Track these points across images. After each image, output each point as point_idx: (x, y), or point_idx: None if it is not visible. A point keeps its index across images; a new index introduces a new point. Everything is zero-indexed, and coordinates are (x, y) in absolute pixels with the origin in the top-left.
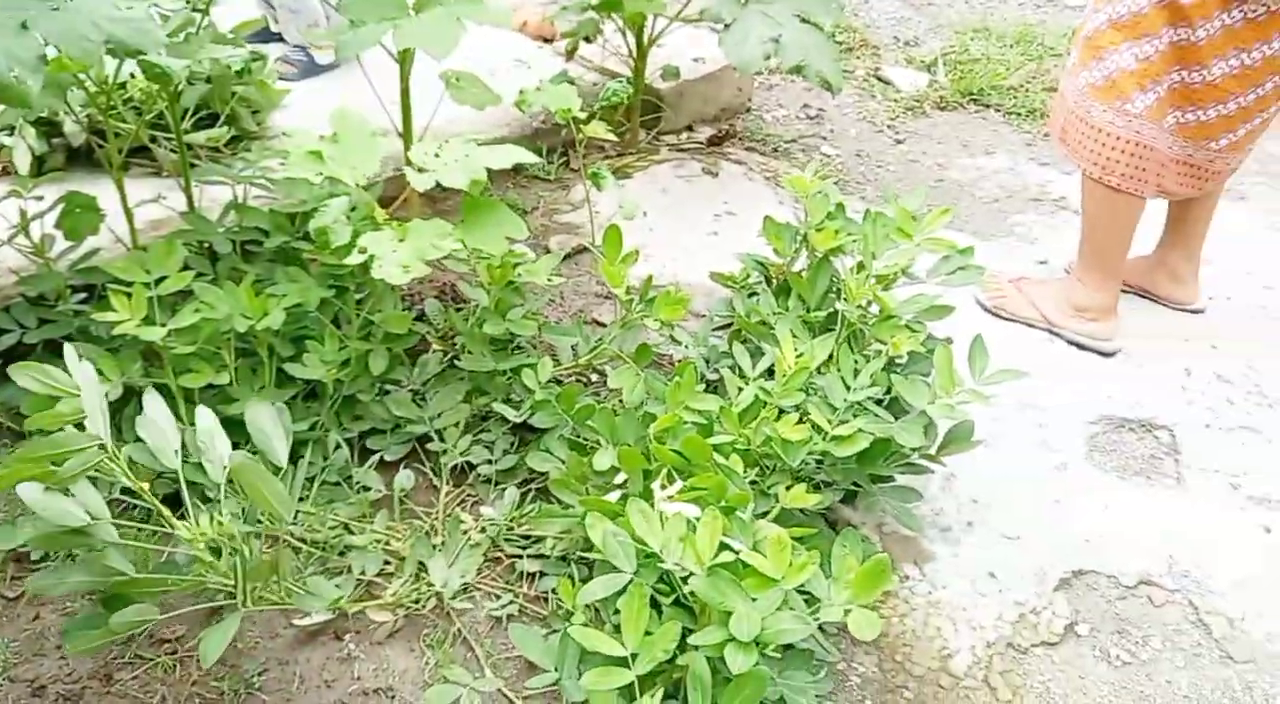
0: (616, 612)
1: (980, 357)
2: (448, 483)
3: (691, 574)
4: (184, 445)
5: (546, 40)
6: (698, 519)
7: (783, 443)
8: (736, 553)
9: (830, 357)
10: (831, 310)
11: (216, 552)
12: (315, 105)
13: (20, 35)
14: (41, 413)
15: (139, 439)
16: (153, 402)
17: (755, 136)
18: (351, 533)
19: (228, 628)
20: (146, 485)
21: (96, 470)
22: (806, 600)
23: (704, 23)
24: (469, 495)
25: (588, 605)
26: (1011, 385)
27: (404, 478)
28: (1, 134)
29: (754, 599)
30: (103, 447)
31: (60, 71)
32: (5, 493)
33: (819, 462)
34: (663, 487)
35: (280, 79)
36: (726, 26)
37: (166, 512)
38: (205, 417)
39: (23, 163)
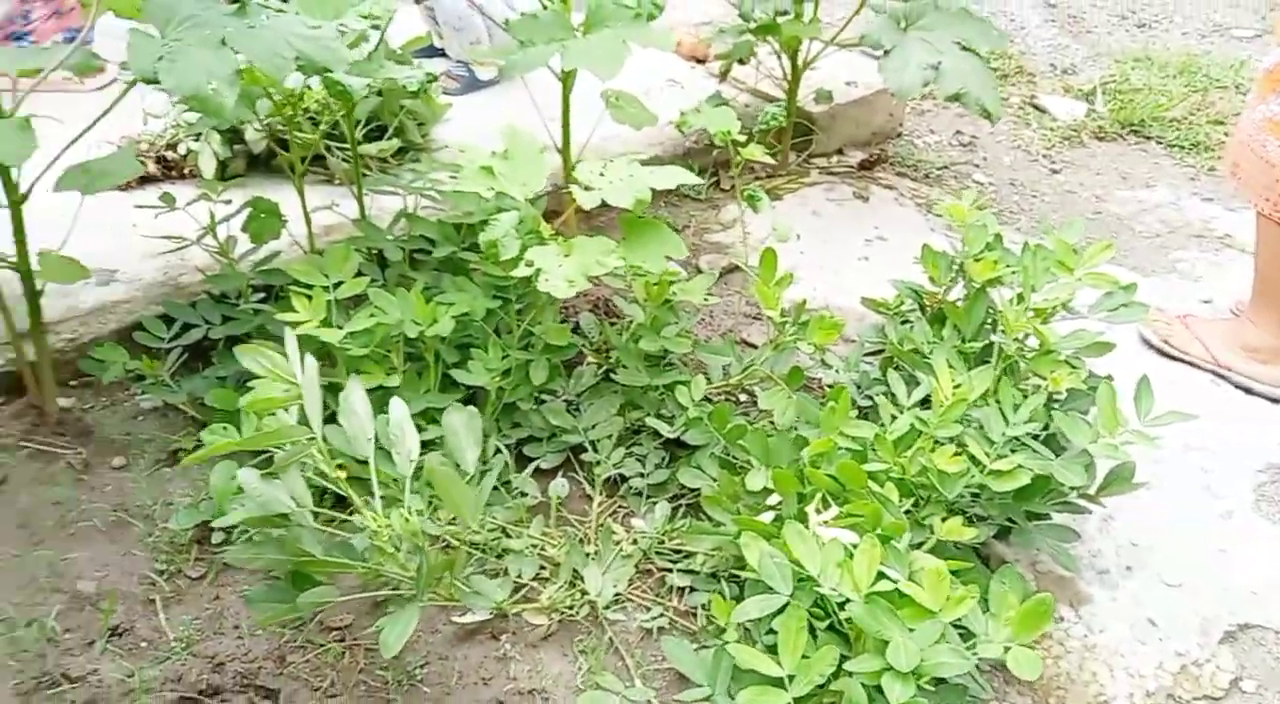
0: (769, 632)
1: (1146, 397)
2: (600, 493)
3: (848, 600)
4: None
5: (699, 61)
6: (854, 545)
7: (939, 474)
8: (895, 582)
9: (989, 389)
10: (987, 342)
11: (395, 545)
12: (476, 119)
13: (219, 51)
14: (256, 397)
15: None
16: (356, 392)
17: (906, 162)
18: (509, 537)
19: (407, 621)
20: (342, 474)
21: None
22: (962, 635)
23: (860, 47)
24: (620, 507)
25: (739, 624)
26: (1175, 427)
27: (559, 486)
28: (189, 139)
29: (911, 630)
30: (313, 439)
31: (250, 84)
32: (191, 477)
33: (975, 495)
34: (818, 511)
35: (443, 93)
36: (886, 52)
37: (359, 502)
38: (398, 409)
39: (208, 167)
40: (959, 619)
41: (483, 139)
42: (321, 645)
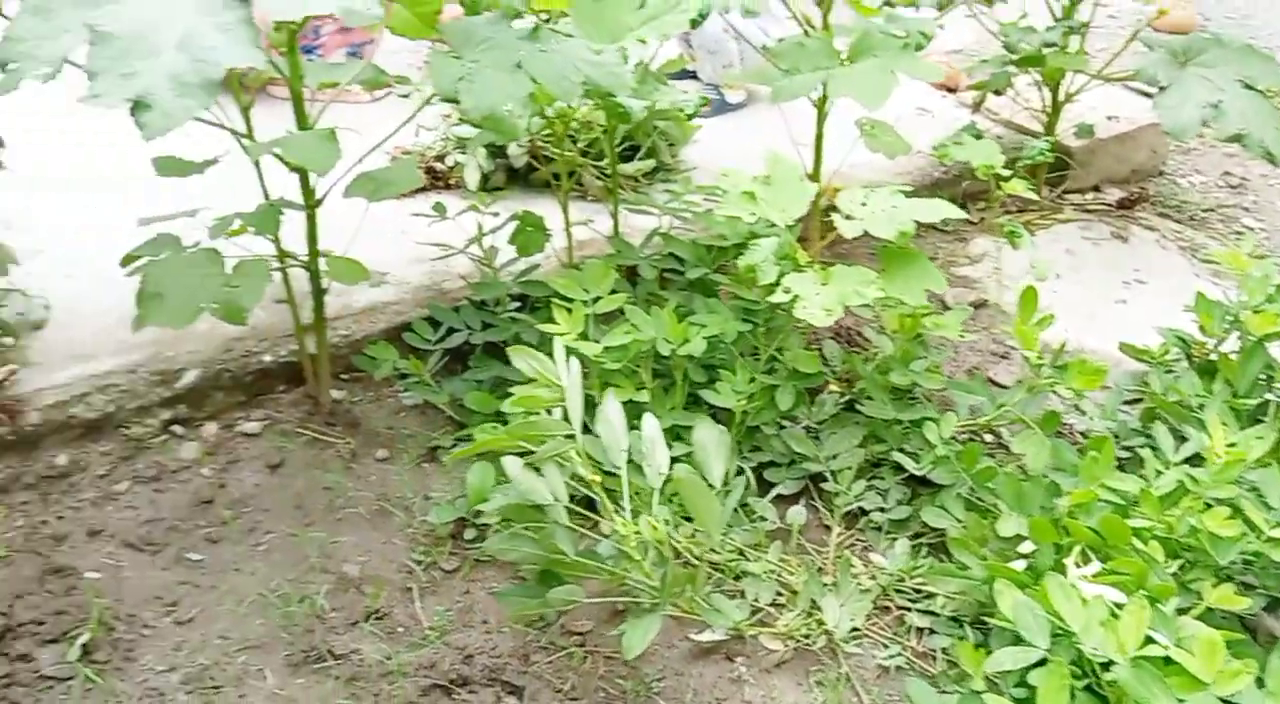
0: (1019, 685)
1: None
2: (839, 524)
3: (1112, 662)
4: None
5: (950, 90)
6: (1119, 605)
7: (1210, 537)
8: (1165, 648)
9: (1270, 450)
10: (1264, 400)
11: (641, 553)
12: (723, 142)
13: (515, 74)
14: (523, 395)
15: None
16: (612, 404)
17: (1169, 202)
18: (747, 559)
19: (649, 626)
20: (597, 478)
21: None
22: None
23: (1123, 81)
24: (859, 540)
25: (987, 674)
26: None
27: (797, 513)
28: (456, 152)
29: (1180, 700)
30: (573, 436)
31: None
32: (448, 474)
33: (1247, 562)
34: (1078, 564)
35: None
36: (1161, 89)
37: (610, 506)
38: (651, 425)
39: (472, 179)
40: (1232, 695)
41: (730, 161)
42: (563, 648)
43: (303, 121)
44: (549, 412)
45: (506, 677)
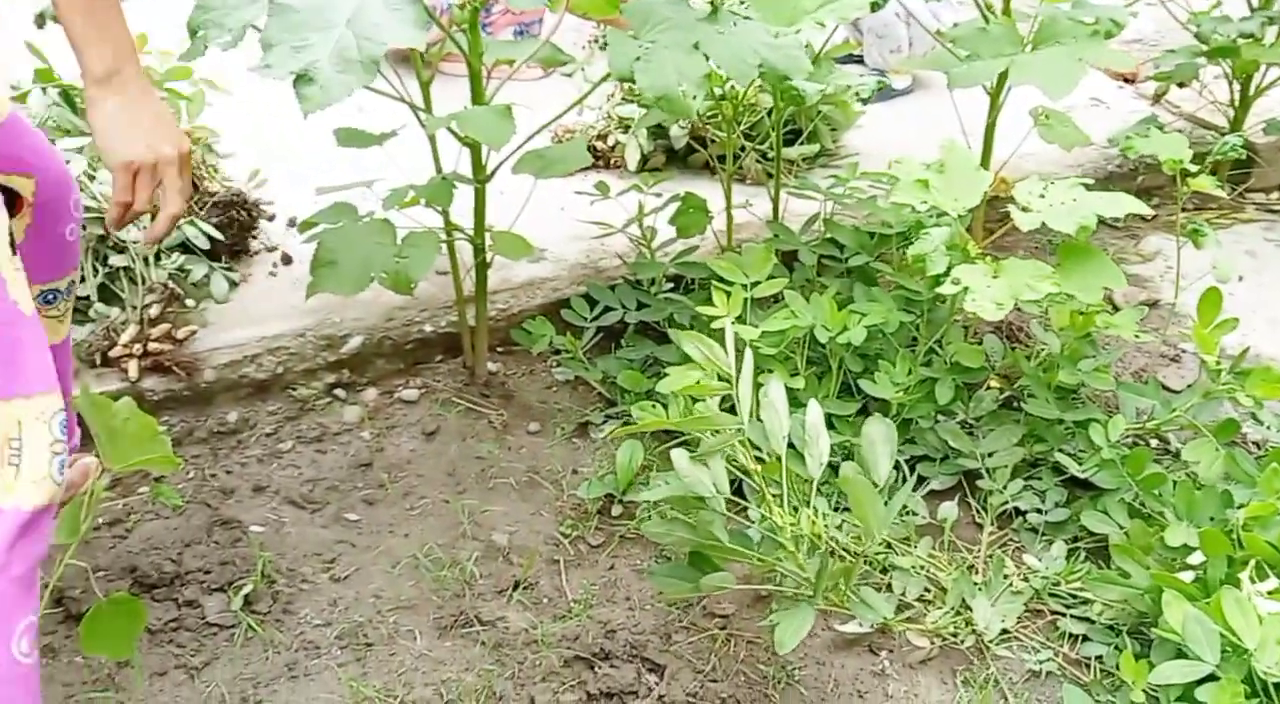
0: (1180, 699)
1: None
2: (992, 523)
3: None
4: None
5: (1128, 80)
6: None
7: None
8: None
9: None
10: None
11: (796, 542)
12: (887, 128)
13: (691, 55)
14: (692, 383)
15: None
16: (777, 389)
17: None
18: (896, 553)
19: (803, 620)
20: (759, 469)
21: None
22: None
23: None
24: (1012, 540)
25: (1147, 687)
26: None
27: (949, 509)
28: (618, 132)
29: None
30: (741, 429)
31: None
32: (597, 450)
33: None
34: (1253, 580)
35: (859, 101)
36: None
37: (768, 495)
38: (815, 413)
39: (632, 159)
40: None
41: (893, 148)
42: (705, 630)
43: (479, 97)
44: (710, 399)
45: (648, 654)
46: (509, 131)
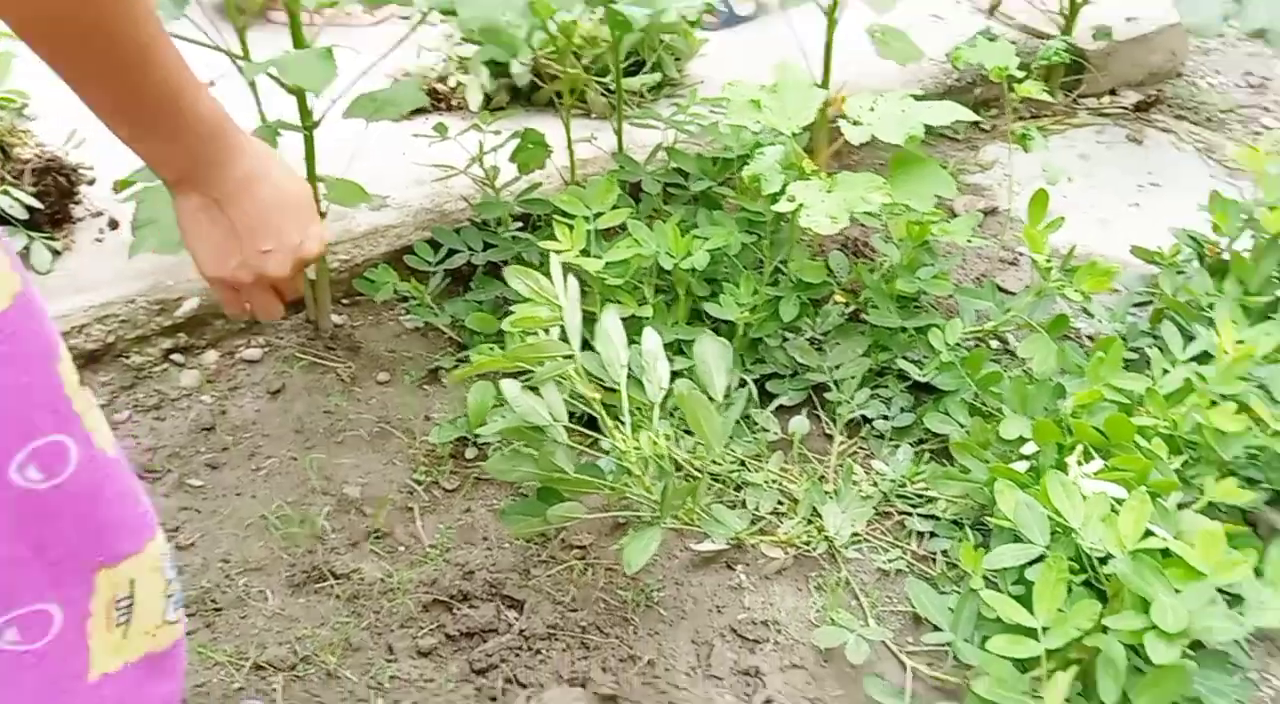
0: (1017, 582)
1: None
2: (842, 433)
3: (1110, 556)
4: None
5: None
6: (1119, 500)
7: (1215, 433)
8: (1163, 541)
9: (1277, 346)
10: (1275, 297)
11: (641, 468)
12: (731, 55)
13: None
14: (521, 315)
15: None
16: (611, 319)
17: (1186, 104)
18: (749, 469)
19: (649, 541)
20: (597, 395)
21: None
22: (1229, 602)
23: None
24: (861, 448)
25: (985, 573)
26: None
27: (800, 423)
28: (458, 73)
29: (1178, 591)
30: (571, 356)
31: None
32: (449, 395)
33: (1252, 457)
34: (1079, 463)
35: (701, 28)
36: None
37: (609, 421)
38: (651, 339)
39: (474, 100)
40: (1230, 585)
41: (737, 74)
42: (564, 562)
43: (299, 42)
44: (547, 331)
45: (507, 591)
46: (329, 75)
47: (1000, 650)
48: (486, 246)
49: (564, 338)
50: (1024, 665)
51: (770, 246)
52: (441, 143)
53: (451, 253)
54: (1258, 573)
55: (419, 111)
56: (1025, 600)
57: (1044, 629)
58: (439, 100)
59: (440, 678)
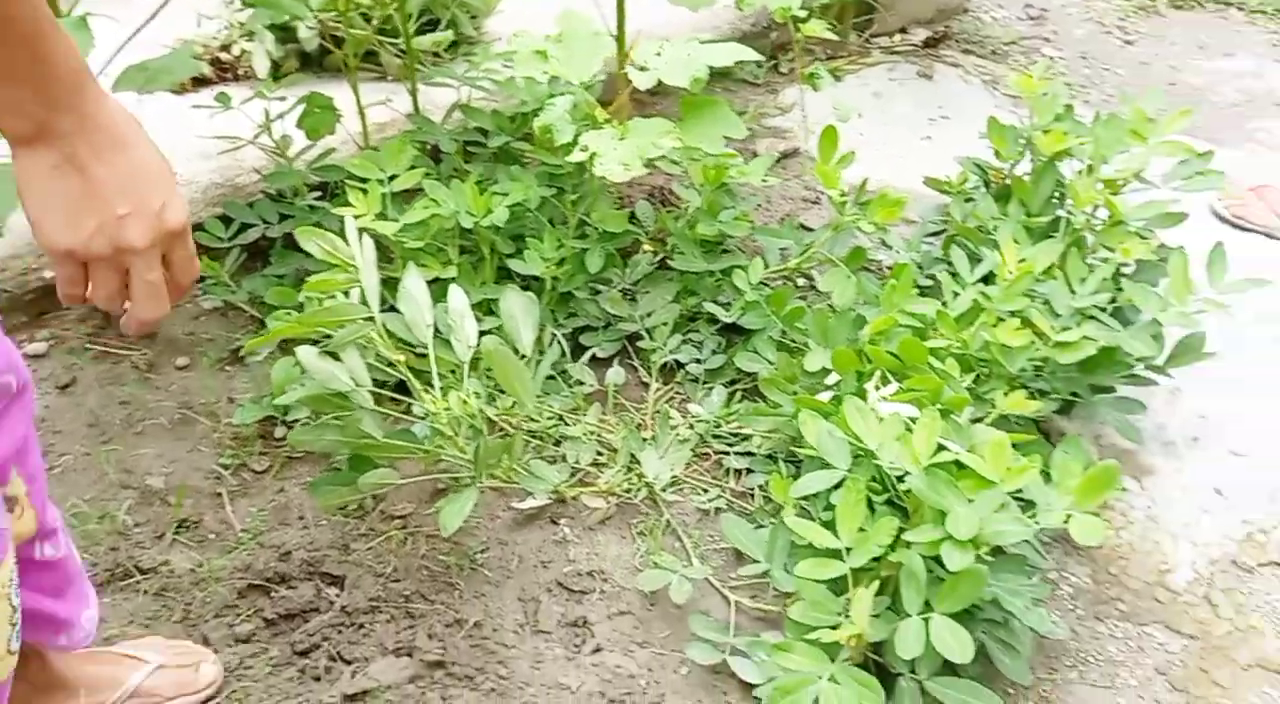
0: (827, 508)
1: (1220, 263)
2: (657, 380)
3: (907, 473)
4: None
5: None
6: (914, 420)
7: (1002, 348)
8: (955, 454)
9: (1054, 262)
10: (1055, 217)
11: (454, 429)
12: (529, 10)
13: None
14: (316, 280)
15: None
16: (413, 279)
17: (972, 38)
18: (566, 424)
19: (464, 502)
20: (402, 358)
21: (361, 340)
22: (1021, 507)
23: None
24: (677, 393)
25: (797, 501)
26: (1251, 298)
27: (615, 374)
28: (243, 40)
29: (971, 500)
30: (371, 318)
31: None
32: (253, 373)
33: (1038, 369)
34: (877, 387)
35: None
36: None
37: (417, 384)
38: (457, 298)
39: (261, 67)
40: (1020, 490)
41: (535, 30)
42: (384, 533)
43: (54, 11)
44: (346, 295)
45: (326, 568)
46: (86, 43)
47: (810, 574)
48: (282, 218)
49: (364, 301)
50: (838, 588)
51: (574, 200)
52: (228, 114)
53: (245, 227)
54: (1046, 477)
55: (203, 83)
56: (834, 525)
57: (847, 549)
58: (224, 70)
59: (260, 663)
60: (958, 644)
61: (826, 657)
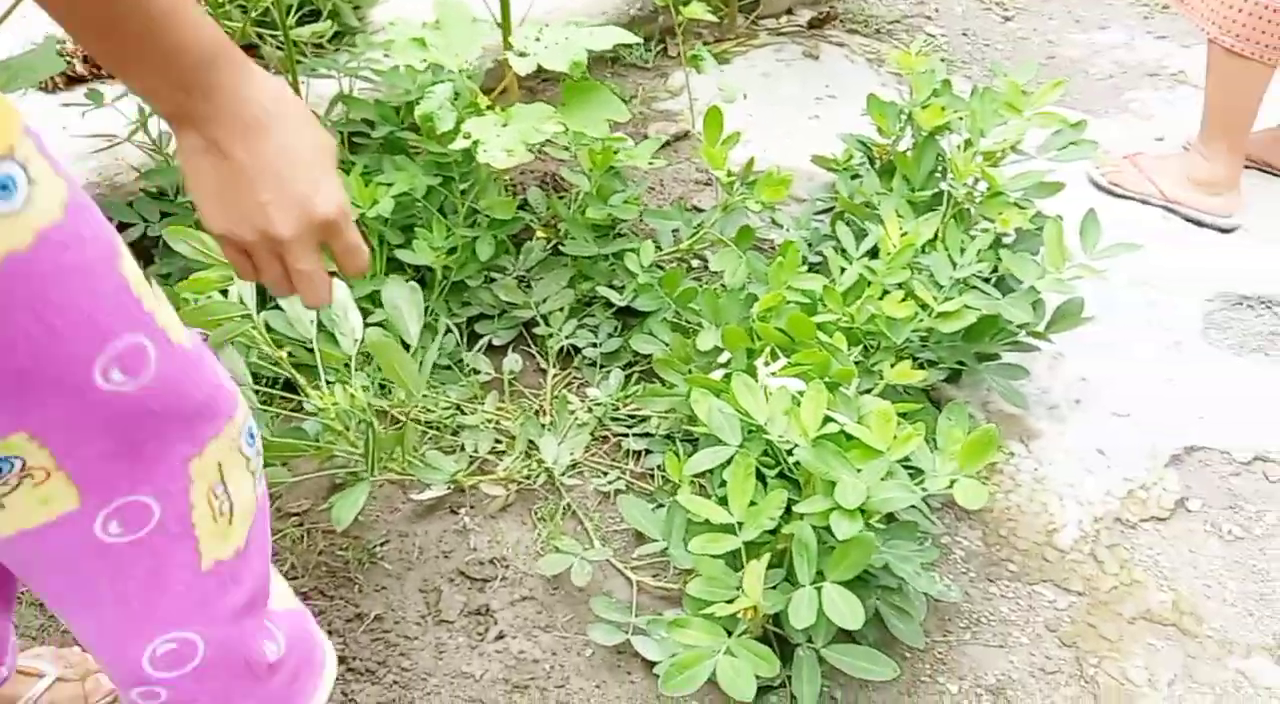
0: (722, 484)
1: (1093, 230)
2: (554, 366)
3: (796, 446)
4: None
5: None
6: (802, 393)
7: (887, 320)
8: (842, 426)
9: (936, 235)
10: (937, 190)
11: (345, 424)
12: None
13: None
14: (192, 279)
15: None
16: None
17: (857, 18)
18: (463, 413)
19: (358, 495)
20: (284, 354)
21: (240, 338)
22: (911, 474)
23: None
24: (575, 378)
25: (693, 479)
26: (1125, 262)
27: (512, 361)
28: None
29: (859, 470)
30: (248, 316)
31: None
32: None
33: (924, 340)
34: (766, 363)
35: None
36: None
37: (302, 380)
38: (340, 290)
39: None
40: (908, 458)
41: (418, 18)
42: (280, 531)
43: None
44: (225, 293)
45: None
46: None
47: (704, 549)
48: (163, 216)
49: (242, 300)
50: (734, 563)
51: (462, 189)
52: (102, 111)
53: (125, 226)
54: (933, 445)
55: (76, 81)
56: (727, 502)
57: (739, 524)
58: (97, 67)
59: None
60: (850, 611)
61: (724, 631)
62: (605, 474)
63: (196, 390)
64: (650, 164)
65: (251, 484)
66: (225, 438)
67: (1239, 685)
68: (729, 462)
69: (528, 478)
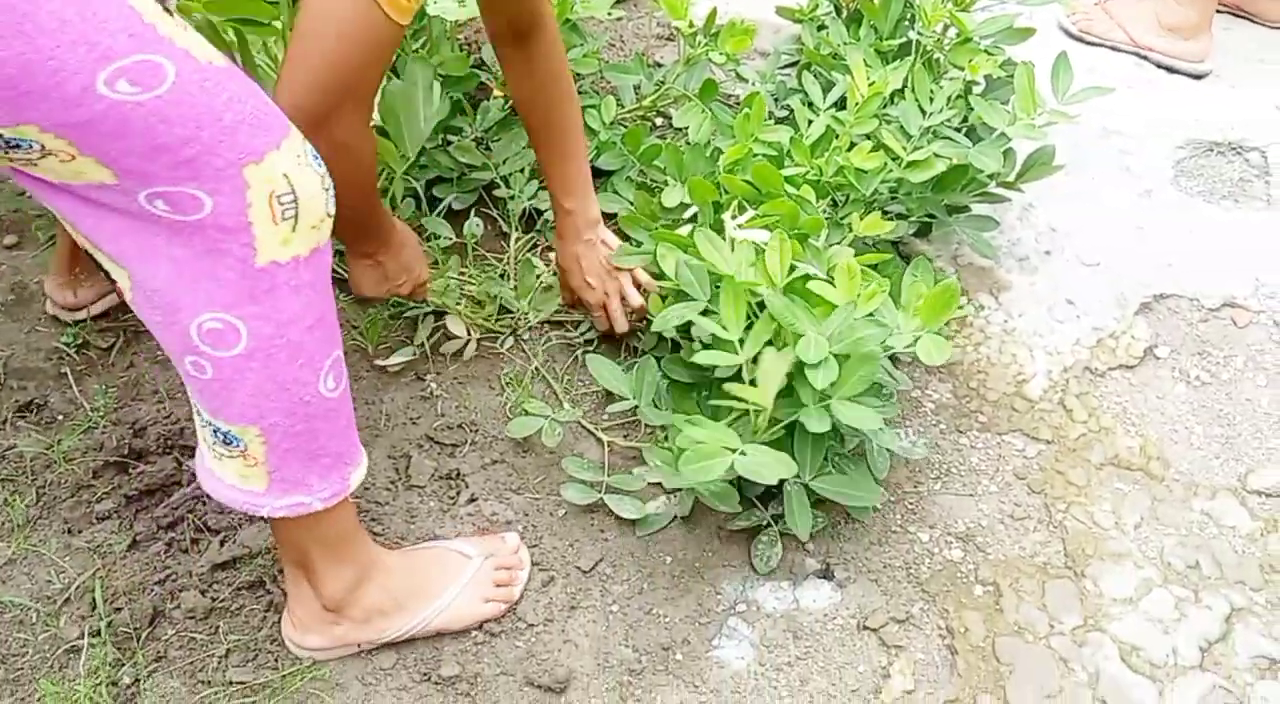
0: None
1: (1064, 74)
2: (517, 229)
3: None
4: None
5: None
6: (767, 244)
7: (856, 172)
8: (810, 276)
9: (905, 83)
10: (905, 38)
11: None
12: None
13: None
14: None
15: None
16: None
17: None
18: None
19: None
20: None
21: None
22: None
23: None
24: (539, 240)
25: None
26: (1095, 111)
27: (473, 225)
28: None
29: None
30: None
31: None
32: None
33: (893, 191)
34: (733, 216)
35: None
36: None
37: None
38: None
39: None
40: (873, 314)
41: None
42: None
43: None
44: None
45: (185, 440)
46: None
47: (712, 361)
48: None
49: None
50: (716, 415)
51: (415, 47)
52: None
53: None
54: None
55: None
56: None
57: (740, 341)
58: None
59: (123, 539)
60: (859, 416)
61: (736, 435)
62: (575, 327)
63: (236, 101)
64: (609, 15)
65: (324, 199)
66: (287, 152)
67: (1203, 526)
68: (702, 315)
69: (495, 340)
